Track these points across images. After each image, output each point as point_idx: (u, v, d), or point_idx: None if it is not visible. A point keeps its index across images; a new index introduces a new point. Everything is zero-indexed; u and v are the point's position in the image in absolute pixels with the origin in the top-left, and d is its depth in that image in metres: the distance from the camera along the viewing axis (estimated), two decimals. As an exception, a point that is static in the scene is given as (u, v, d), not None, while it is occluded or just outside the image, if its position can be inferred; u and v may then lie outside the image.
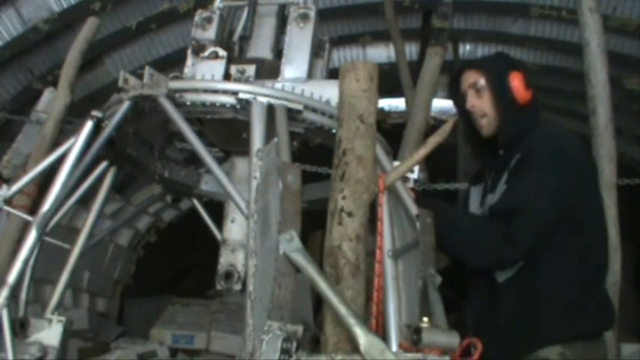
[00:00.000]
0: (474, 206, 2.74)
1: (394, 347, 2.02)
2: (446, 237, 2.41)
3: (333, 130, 2.39)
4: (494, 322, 2.50)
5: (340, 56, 6.48)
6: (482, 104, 2.60)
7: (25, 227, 2.95)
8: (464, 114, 2.68)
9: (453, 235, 2.45)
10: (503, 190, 2.48)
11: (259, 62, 2.91)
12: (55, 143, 4.16)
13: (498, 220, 2.41)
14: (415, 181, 2.60)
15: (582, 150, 2.63)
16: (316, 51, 3.01)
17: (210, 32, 2.92)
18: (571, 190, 2.44)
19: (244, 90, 2.56)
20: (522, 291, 2.45)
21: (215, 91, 2.60)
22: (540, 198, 2.39)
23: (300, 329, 1.85)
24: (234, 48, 3.08)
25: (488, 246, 2.42)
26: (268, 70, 2.86)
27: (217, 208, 3.10)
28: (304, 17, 2.86)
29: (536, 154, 2.44)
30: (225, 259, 2.92)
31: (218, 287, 2.92)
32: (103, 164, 2.92)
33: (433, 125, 4.75)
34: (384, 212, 2.23)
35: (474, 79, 2.61)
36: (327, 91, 2.65)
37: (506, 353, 2.43)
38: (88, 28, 4.63)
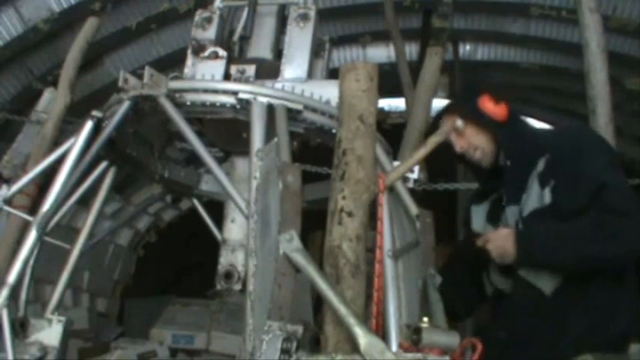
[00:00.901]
0: (479, 225, 2.60)
1: (394, 347, 2.02)
2: (567, 246, 2.24)
3: (333, 130, 2.39)
4: (529, 334, 2.36)
5: (340, 56, 6.47)
6: (468, 140, 2.51)
7: (25, 227, 2.95)
8: (461, 157, 2.60)
9: (575, 240, 2.24)
10: (552, 190, 2.30)
11: (259, 62, 2.91)
12: (55, 143, 4.17)
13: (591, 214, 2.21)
14: (415, 181, 2.59)
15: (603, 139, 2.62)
16: (316, 51, 3.01)
17: (210, 32, 2.92)
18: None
19: (244, 90, 2.56)
20: (571, 301, 2.31)
21: (215, 91, 2.60)
22: (609, 172, 2.26)
23: (300, 329, 1.85)
24: (234, 48, 3.08)
25: (618, 234, 2.19)
26: (268, 70, 2.86)
27: (217, 208, 3.10)
28: (304, 17, 2.87)
29: (573, 146, 2.35)
30: (225, 259, 2.92)
31: (218, 287, 2.92)
32: (103, 164, 2.92)
33: (433, 125, 4.74)
34: (384, 212, 2.23)
35: (451, 123, 2.54)
36: (327, 91, 2.65)
37: None
38: (88, 28, 4.64)
